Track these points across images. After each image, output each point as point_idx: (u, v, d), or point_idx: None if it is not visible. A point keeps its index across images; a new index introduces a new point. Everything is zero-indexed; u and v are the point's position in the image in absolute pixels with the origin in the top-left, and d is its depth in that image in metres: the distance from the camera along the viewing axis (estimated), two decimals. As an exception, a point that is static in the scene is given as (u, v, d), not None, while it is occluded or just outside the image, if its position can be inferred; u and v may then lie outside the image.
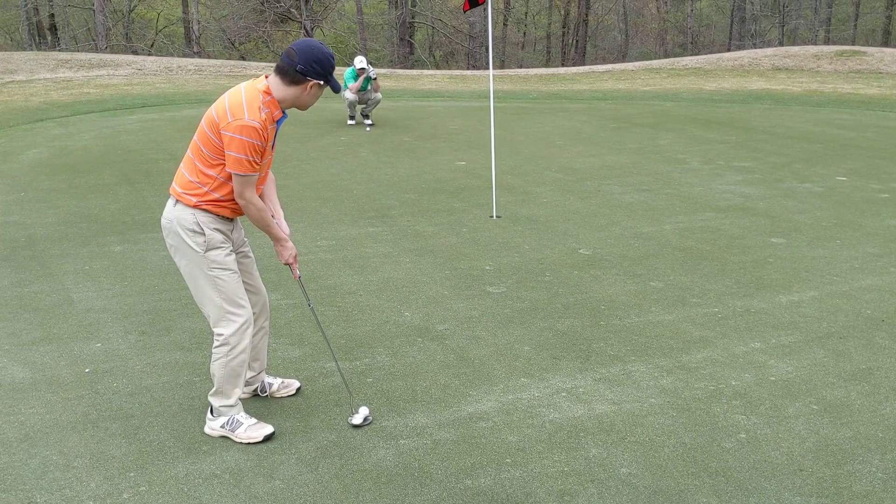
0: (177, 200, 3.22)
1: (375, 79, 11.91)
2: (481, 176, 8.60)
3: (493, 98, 7.64)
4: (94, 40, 34.01)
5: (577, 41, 42.61)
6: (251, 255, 3.52)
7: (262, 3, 35.36)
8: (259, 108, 3.08)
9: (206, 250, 3.20)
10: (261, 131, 3.07)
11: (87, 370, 4.00)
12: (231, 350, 3.26)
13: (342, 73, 12.01)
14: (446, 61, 42.63)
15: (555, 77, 22.21)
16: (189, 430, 3.42)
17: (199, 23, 37.01)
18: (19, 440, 3.35)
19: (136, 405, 3.64)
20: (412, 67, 34.69)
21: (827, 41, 38.33)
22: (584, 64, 36.21)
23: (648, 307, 4.87)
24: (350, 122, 12.43)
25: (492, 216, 7.03)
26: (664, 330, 4.52)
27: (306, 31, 34.06)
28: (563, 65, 39.74)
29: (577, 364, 4.08)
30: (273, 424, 3.41)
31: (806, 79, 19.87)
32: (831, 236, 6.38)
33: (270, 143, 3.21)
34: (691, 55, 33.51)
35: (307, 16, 34.54)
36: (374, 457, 3.23)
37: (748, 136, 11.48)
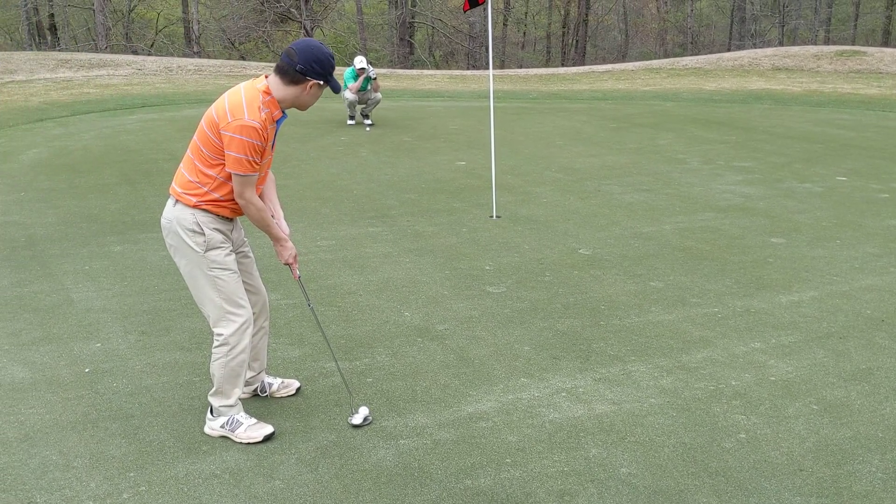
0: (176, 200, 3.22)
1: (375, 79, 11.91)
2: (481, 176, 8.60)
3: (493, 98, 7.64)
4: (94, 40, 34.02)
5: (577, 41, 42.62)
6: (251, 255, 3.51)
7: (262, 3, 35.36)
8: (259, 108, 3.08)
9: (206, 250, 3.20)
10: (261, 131, 3.07)
11: (87, 370, 4.00)
12: (231, 350, 3.25)
13: (342, 73, 12.01)
14: (446, 61, 42.63)
15: (555, 77, 22.21)
16: (189, 430, 3.42)
17: (199, 23, 37.01)
18: (19, 440, 3.35)
19: (136, 405, 3.64)
20: (412, 67, 34.70)
21: (827, 41, 38.34)
22: (584, 64, 36.21)
23: (648, 307, 4.87)
24: (350, 122, 12.43)
25: (492, 216, 7.03)
26: (664, 330, 4.52)
27: (306, 31, 34.06)
28: (563, 65, 39.75)
29: (577, 364, 4.08)
30: (273, 424, 3.41)
31: (806, 79, 19.87)
32: (831, 236, 6.38)
33: (270, 143, 3.21)
34: (691, 55, 33.52)
35: (307, 16, 34.54)
36: (374, 457, 3.23)
37: (748, 136, 11.48)
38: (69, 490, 3.00)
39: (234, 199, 3.20)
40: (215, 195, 3.18)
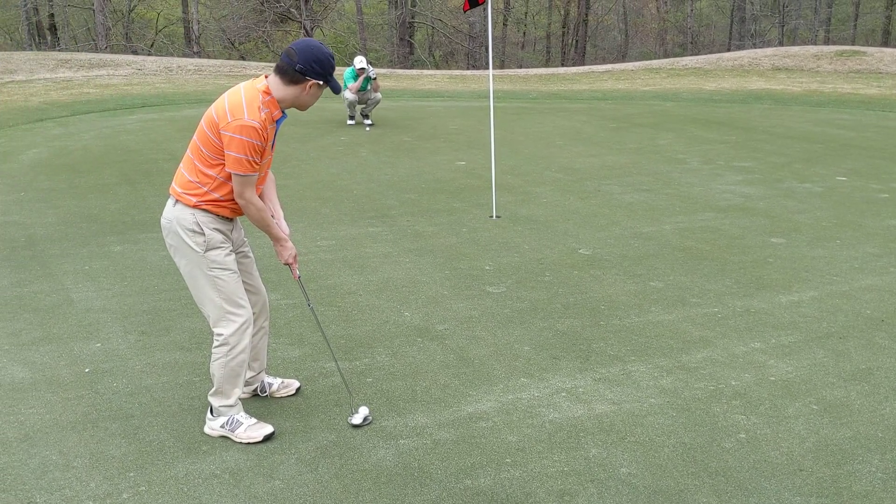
0: (176, 200, 3.22)
1: (375, 79, 11.91)
2: (481, 176, 8.60)
3: (493, 98, 7.64)
4: (93, 40, 34.01)
5: (576, 41, 42.62)
6: (251, 255, 3.51)
7: (262, 3, 35.36)
8: (259, 107, 3.07)
9: (206, 250, 3.20)
10: (260, 131, 3.07)
11: (86, 370, 4.00)
12: (231, 350, 3.25)
13: (342, 73, 12.01)
14: (446, 61, 42.63)
15: (555, 77, 22.21)
16: (189, 430, 3.42)
17: (198, 23, 37.01)
18: (19, 440, 3.34)
19: (135, 405, 3.64)
20: (412, 67, 34.70)
21: (827, 41, 38.34)
22: (583, 64, 36.22)
23: (648, 307, 4.87)
24: (350, 122, 12.43)
25: (492, 216, 7.03)
26: (664, 330, 4.52)
27: (306, 31, 34.07)
28: (562, 65, 39.75)
29: (576, 364, 4.08)
30: (273, 424, 3.41)
31: (806, 79, 19.87)
32: (831, 236, 6.38)
33: (270, 143, 3.21)
34: (691, 55, 33.52)
35: (307, 16, 34.54)
36: (373, 457, 3.23)
37: (748, 136, 11.49)
38: (69, 490, 3.00)
39: (233, 199, 3.20)
40: (215, 195, 3.18)
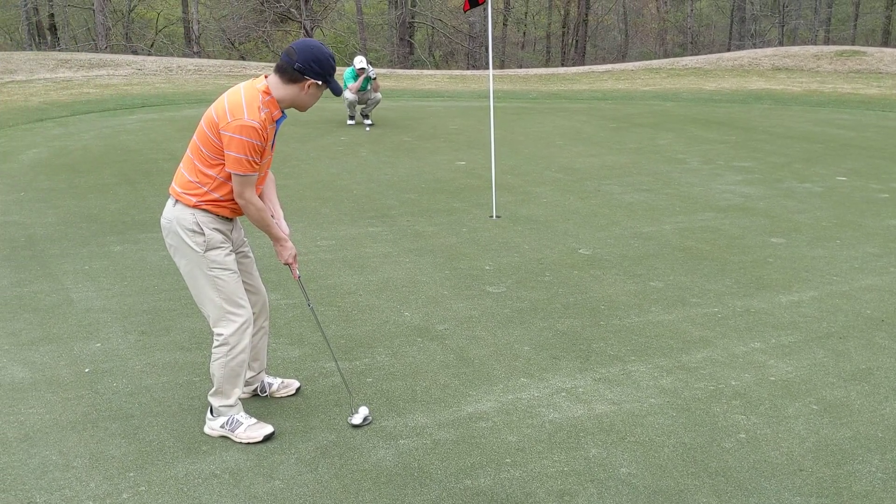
0: (176, 200, 3.22)
1: (375, 79, 11.91)
2: (481, 176, 8.60)
3: (493, 98, 7.64)
4: (93, 40, 34.02)
5: (576, 41, 42.62)
6: (251, 255, 3.51)
7: (262, 3, 35.36)
8: (258, 107, 3.07)
9: (206, 250, 3.20)
10: (260, 131, 3.06)
11: (86, 370, 4.00)
12: (231, 350, 3.25)
13: (342, 74, 12.01)
14: (446, 61, 42.63)
15: (555, 77, 22.21)
16: (189, 430, 3.42)
17: (198, 23, 37.01)
18: (19, 440, 3.34)
19: (135, 405, 3.64)
20: (412, 67, 34.70)
21: (827, 41, 38.34)
22: (583, 64, 36.22)
23: (648, 307, 4.87)
24: (350, 122, 12.43)
25: (492, 216, 7.03)
26: (664, 330, 4.52)
27: (306, 31, 34.07)
28: (562, 65, 39.75)
29: (576, 364, 4.08)
30: (273, 424, 3.41)
31: (806, 79, 19.87)
32: (831, 236, 6.38)
33: (270, 143, 3.21)
34: (691, 55, 33.52)
35: (307, 16, 34.54)
36: (373, 457, 3.23)
37: (748, 136, 11.49)
38: (69, 490, 3.00)
39: (233, 199, 3.20)
40: (215, 195, 3.18)
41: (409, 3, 38.61)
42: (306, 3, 34.54)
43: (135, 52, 32.75)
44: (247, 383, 3.63)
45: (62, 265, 5.65)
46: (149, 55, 30.76)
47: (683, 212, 7.16)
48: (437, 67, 38.03)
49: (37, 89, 16.47)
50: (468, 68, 35.30)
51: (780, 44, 37.19)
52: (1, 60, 20.15)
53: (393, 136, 11.50)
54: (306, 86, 3.13)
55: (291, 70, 3.09)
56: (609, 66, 25.30)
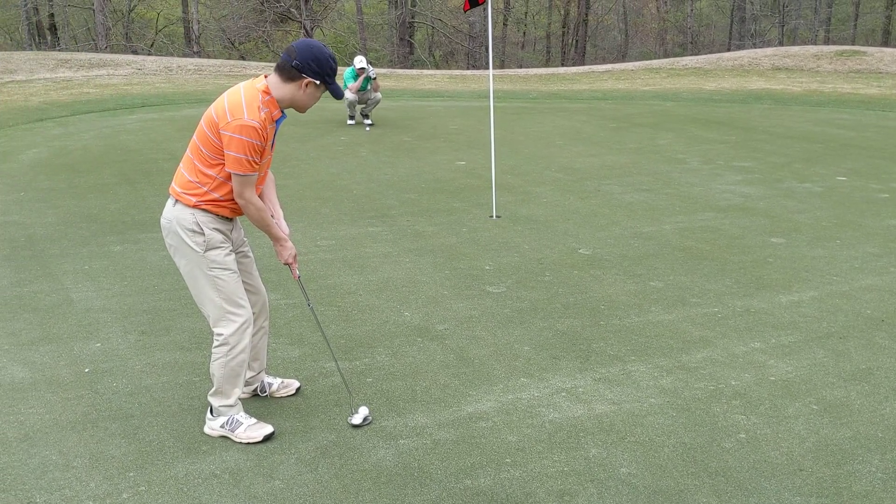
0: (176, 200, 3.22)
1: (375, 78, 11.92)
2: (481, 176, 8.60)
3: (493, 98, 7.64)
4: (93, 40, 34.01)
5: (576, 41, 42.62)
6: (251, 254, 3.51)
7: (262, 3, 35.35)
8: (258, 107, 3.07)
9: (206, 250, 3.20)
10: (260, 131, 3.06)
11: (86, 370, 4.00)
12: (231, 350, 3.25)
13: (342, 74, 12.01)
14: (446, 61, 42.64)
15: (555, 77, 22.21)
16: (189, 430, 3.42)
17: (198, 22, 37.01)
18: (19, 440, 3.34)
19: (135, 405, 3.64)
20: (412, 67, 34.70)
21: (827, 41, 38.34)
22: (583, 64, 36.22)
23: (648, 307, 4.87)
24: (350, 121, 12.44)
25: (492, 216, 7.03)
26: (664, 330, 4.52)
27: (306, 31, 34.07)
28: (562, 65, 39.75)
29: (576, 364, 4.08)
30: (273, 424, 3.41)
31: (806, 79, 19.87)
32: (831, 236, 6.37)
33: (270, 143, 3.21)
34: (691, 55, 33.52)
35: (307, 15, 34.54)
36: (373, 457, 3.23)
37: (748, 136, 11.49)
38: (69, 490, 3.00)
39: (233, 199, 3.19)
40: (215, 195, 3.18)
41: (409, 3, 38.61)
42: (306, 3, 34.54)
43: (135, 52, 32.75)
44: (247, 383, 3.63)
45: (62, 265, 5.65)
46: (149, 55, 30.76)
47: (683, 212, 7.16)
48: (437, 67, 38.03)
49: (37, 89, 16.47)
50: (468, 68, 35.30)
51: (780, 44, 37.20)
52: (1, 60, 20.15)
53: (393, 136, 11.50)
54: (304, 84, 3.13)
55: (290, 68, 3.09)
56: (609, 66, 25.30)
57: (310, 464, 3.18)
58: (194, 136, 3.20)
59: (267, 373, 3.76)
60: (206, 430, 3.40)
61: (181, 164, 3.27)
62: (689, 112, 14.38)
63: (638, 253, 5.95)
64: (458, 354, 4.20)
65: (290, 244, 3.38)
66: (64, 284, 5.25)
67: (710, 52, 33.02)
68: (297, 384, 3.78)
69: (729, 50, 34.98)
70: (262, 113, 3.08)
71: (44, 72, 19.01)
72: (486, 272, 5.53)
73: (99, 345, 4.31)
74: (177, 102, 15.18)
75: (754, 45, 36.28)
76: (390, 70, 25.43)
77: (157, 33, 39.04)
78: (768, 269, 5.56)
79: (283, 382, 3.76)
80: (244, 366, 3.31)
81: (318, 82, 3.13)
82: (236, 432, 3.33)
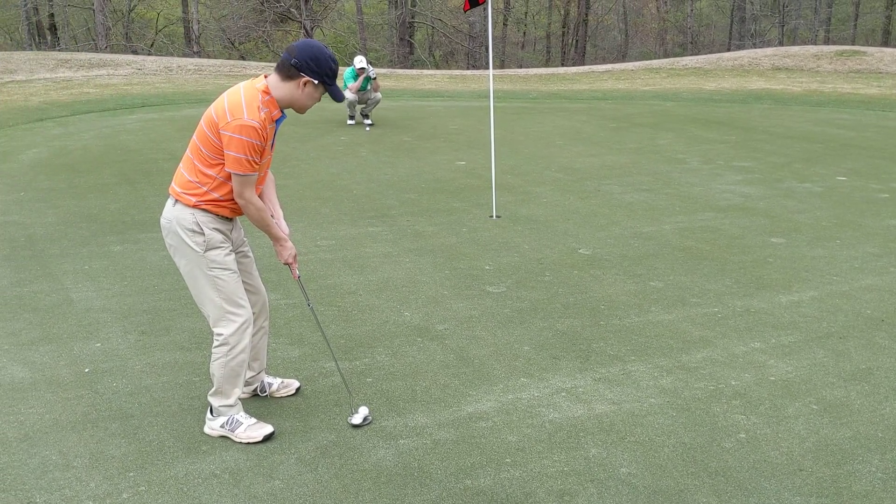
0: (176, 200, 3.22)
1: (375, 78, 11.92)
2: (481, 176, 8.60)
3: (493, 98, 7.64)
4: (93, 40, 34.01)
5: (576, 41, 42.62)
6: (251, 254, 3.51)
7: (262, 3, 35.35)
8: (258, 107, 3.07)
9: (206, 250, 3.20)
10: (260, 131, 3.06)
11: (86, 370, 4.00)
12: (231, 350, 3.25)
13: (342, 74, 12.01)
14: (446, 61, 42.63)
15: (555, 77, 22.21)
16: (189, 430, 3.42)
17: (198, 22, 37.01)
18: (19, 440, 3.34)
19: (135, 405, 3.64)
20: (412, 67, 34.70)
21: (827, 41, 38.34)
22: (584, 64, 36.22)
23: (648, 307, 4.87)
24: (350, 121, 12.44)
25: (492, 216, 7.03)
26: (664, 330, 4.52)
27: (306, 31, 34.07)
28: (562, 65, 39.75)
29: (576, 364, 4.08)
30: (273, 424, 3.41)
31: (806, 79, 19.87)
32: (831, 236, 6.38)
33: (269, 143, 3.21)
34: (691, 55, 33.52)
35: (307, 15, 34.54)
36: (373, 457, 3.23)
37: (748, 136, 11.49)
38: (69, 490, 3.00)
39: (233, 199, 3.20)
40: (215, 195, 3.18)
41: (409, 3, 38.61)
42: (306, 2, 34.54)
43: (135, 52, 32.75)
44: (247, 383, 3.63)
45: (62, 265, 5.65)
46: (149, 55, 30.76)
47: (683, 212, 7.16)
48: (437, 67, 38.03)
49: (37, 89, 16.47)
50: (468, 68, 35.30)
51: (780, 44, 37.20)
52: (1, 60, 20.15)
53: (393, 136, 11.50)
54: (302, 83, 3.12)
55: (288, 66, 3.09)
56: (609, 66, 25.30)
57: (310, 464, 3.18)
58: (194, 136, 3.20)
59: (267, 373, 3.76)
60: (206, 430, 3.40)
61: (181, 164, 3.27)
62: (689, 112, 14.38)
63: (638, 253, 5.95)
64: (458, 354, 4.20)
65: (290, 244, 3.38)
66: (64, 284, 5.25)
67: (710, 52, 33.03)
68: (297, 384, 3.78)
69: (729, 50, 34.98)
70: (262, 113, 3.08)
71: (44, 72, 19.01)
72: (486, 272, 5.53)
73: (99, 345, 4.31)
74: (177, 102, 15.18)
75: (754, 45, 36.28)
76: (390, 70, 25.43)
77: (157, 33, 39.04)
78: (768, 269, 5.56)
79: (283, 382, 3.76)
80: (244, 366, 3.31)
81: (316, 82, 3.13)
82: (236, 432, 3.33)
